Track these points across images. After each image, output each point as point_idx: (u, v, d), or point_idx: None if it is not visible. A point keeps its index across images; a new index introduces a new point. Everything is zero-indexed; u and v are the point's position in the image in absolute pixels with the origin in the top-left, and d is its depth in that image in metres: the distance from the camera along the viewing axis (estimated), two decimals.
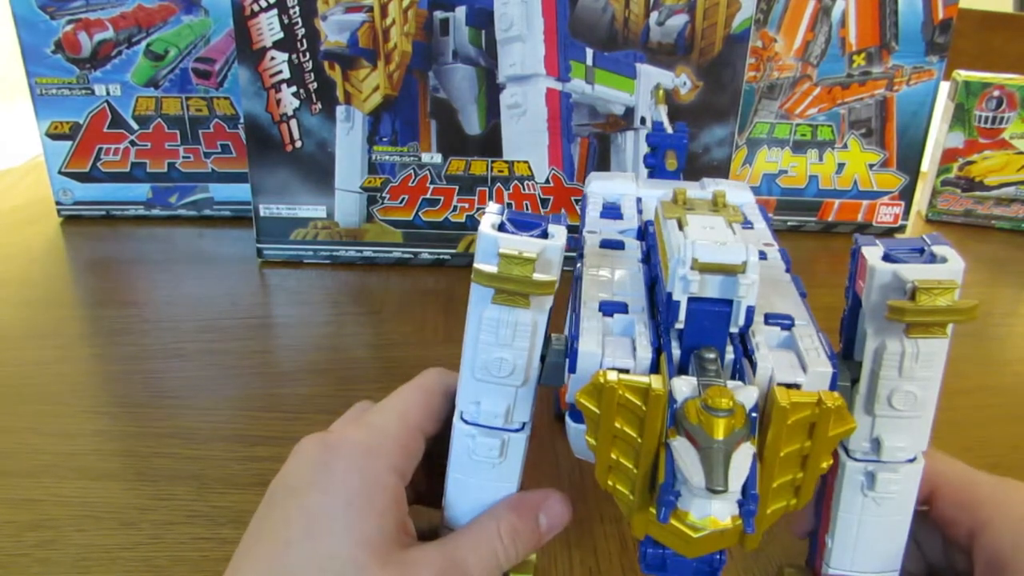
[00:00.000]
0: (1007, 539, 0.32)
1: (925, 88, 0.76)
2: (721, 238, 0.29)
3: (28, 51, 0.73)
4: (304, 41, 0.65)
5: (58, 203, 0.79)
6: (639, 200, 0.44)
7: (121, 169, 0.77)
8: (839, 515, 0.35)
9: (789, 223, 0.82)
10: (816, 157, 0.79)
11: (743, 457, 0.26)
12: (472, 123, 0.68)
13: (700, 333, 0.29)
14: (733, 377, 0.29)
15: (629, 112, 0.68)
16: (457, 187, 0.70)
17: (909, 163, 0.79)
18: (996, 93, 0.80)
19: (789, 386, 0.29)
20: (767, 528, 0.29)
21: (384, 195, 0.70)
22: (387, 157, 0.69)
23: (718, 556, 0.31)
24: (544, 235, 0.31)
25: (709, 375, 0.28)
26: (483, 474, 0.34)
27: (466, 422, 0.34)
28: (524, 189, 0.70)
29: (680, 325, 0.29)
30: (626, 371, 0.29)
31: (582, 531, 0.43)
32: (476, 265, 0.30)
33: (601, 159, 0.69)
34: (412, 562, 0.30)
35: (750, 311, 0.28)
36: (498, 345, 0.31)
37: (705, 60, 0.67)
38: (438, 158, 0.69)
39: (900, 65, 0.76)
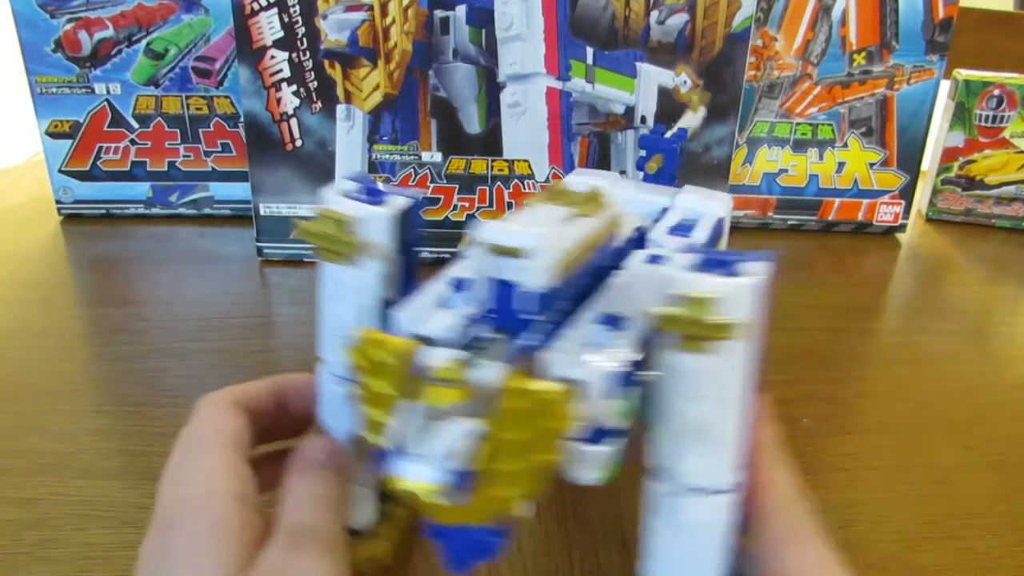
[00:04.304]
0: None
1: (925, 87, 0.76)
2: (526, 224, 0.29)
3: (28, 50, 0.73)
4: (304, 40, 0.65)
5: (58, 202, 0.79)
6: None
7: (121, 168, 0.77)
8: (647, 541, 0.32)
9: (789, 222, 0.82)
10: (816, 156, 0.79)
11: (455, 428, 0.26)
12: (472, 122, 0.68)
13: (501, 315, 0.30)
14: (526, 363, 0.29)
15: (629, 111, 0.68)
16: (457, 186, 0.70)
17: (909, 162, 0.79)
18: (996, 92, 0.80)
19: (567, 382, 0.28)
20: (503, 513, 0.28)
21: None
22: (387, 156, 0.69)
23: (496, 538, 0.30)
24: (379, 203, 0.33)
25: (477, 351, 0.28)
26: (350, 417, 0.35)
27: (330, 373, 0.35)
28: (524, 188, 0.70)
29: (488, 305, 0.29)
30: (427, 340, 0.30)
31: (582, 531, 0.43)
32: (301, 221, 0.32)
33: (601, 158, 0.69)
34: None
35: (538, 297, 0.29)
36: (335, 299, 0.34)
37: (705, 59, 0.67)
38: (438, 157, 0.69)
39: (900, 64, 0.76)
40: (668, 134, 0.49)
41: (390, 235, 0.33)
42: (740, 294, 0.27)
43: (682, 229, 0.38)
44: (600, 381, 0.28)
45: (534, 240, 0.28)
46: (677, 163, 0.47)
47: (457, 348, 0.29)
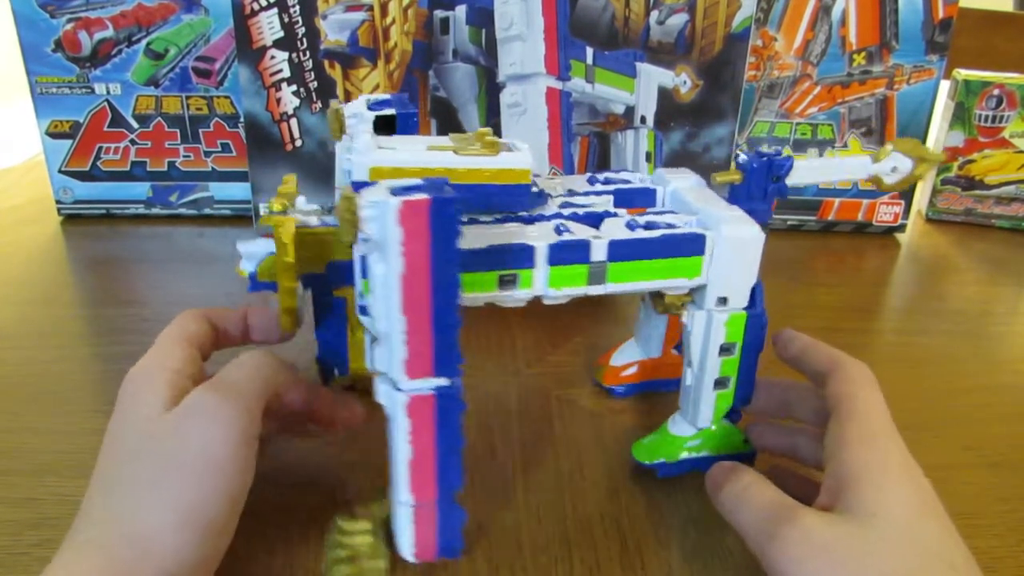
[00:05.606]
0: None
1: (925, 87, 0.76)
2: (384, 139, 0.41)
3: (28, 50, 0.73)
4: (304, 40, 0.65)
5: (58, 202, 0.79)
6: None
7: (121, 168, 0.77)
8: None
9: (789, 222, 0.82)
10: (816, 156, 0.79)
11: (262, 242, 0.42)
12: (472, 122, 0.68)
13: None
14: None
15: (629, 111, 0.68)
16: None
17: None
18: (996, 92, 0.80)
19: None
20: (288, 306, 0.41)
21: None
22: None
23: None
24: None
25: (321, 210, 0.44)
26: None
27: None
28: None
29: None
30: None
31: (582, 530, 0.43)
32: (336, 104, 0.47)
33: (601, 158, 0.69)
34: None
35: (354, 185, 0.38)
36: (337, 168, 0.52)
37: (705, 59, 0.67)
38: None
39: (900, 64, 0.76)
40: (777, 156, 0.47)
41: (362, 127, 0.43)
42: (380, 205, 0.32)
43: (636, 226, 0.41)
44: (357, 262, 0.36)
45: (362, 143, 0.38)
46: (761, 184, 0.46)
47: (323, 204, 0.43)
